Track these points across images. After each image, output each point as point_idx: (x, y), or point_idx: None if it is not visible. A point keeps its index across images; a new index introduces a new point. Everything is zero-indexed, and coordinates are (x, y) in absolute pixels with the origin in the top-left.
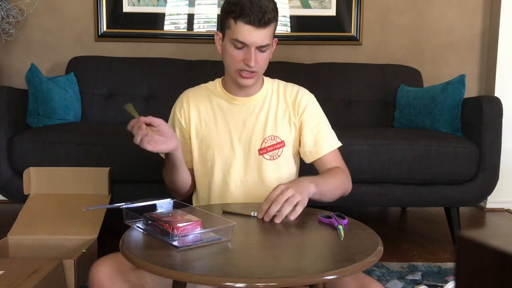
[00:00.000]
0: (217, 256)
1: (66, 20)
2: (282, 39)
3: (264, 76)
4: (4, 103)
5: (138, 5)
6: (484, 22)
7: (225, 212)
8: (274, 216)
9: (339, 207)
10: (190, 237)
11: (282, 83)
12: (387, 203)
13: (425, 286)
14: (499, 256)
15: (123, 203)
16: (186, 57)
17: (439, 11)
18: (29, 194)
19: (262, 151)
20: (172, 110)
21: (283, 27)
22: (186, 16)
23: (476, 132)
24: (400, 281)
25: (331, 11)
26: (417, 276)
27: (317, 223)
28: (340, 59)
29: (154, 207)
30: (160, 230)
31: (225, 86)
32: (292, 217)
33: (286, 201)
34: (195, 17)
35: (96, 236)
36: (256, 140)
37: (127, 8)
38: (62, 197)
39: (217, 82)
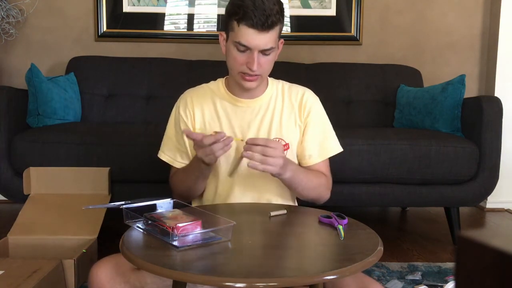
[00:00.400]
0: (217, 256)
1: (66, 20)
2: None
3: (268, 77)
4: (4, 103)
5: (138, 5)
6: (484, 22)
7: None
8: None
9: (339, 207)
10: (190, 237)
11: (286, 84)
12: (387, 203)
13: (425, 286)
14: (499, 256)
15: (123, 203)
16: (186, 57)
17: (439, 11)
18: (29, 194)
19: None
20: (174, 111)
21: (283, 27)
22: (186, 16)
23: (476, 132)
24: (400, 281)
25: (331, 11)
26: (417, 276)
27: (317, 223)
28: (340, 59)
29: (154, 207)
30: (160, 230)
31: (228, 87)
32: (251, 165)
33: (267, 155)
34: (195, 17)
35: (96, 236)
36: None
37: (127, 8)
38: (62, 197)
39: (220, 82)
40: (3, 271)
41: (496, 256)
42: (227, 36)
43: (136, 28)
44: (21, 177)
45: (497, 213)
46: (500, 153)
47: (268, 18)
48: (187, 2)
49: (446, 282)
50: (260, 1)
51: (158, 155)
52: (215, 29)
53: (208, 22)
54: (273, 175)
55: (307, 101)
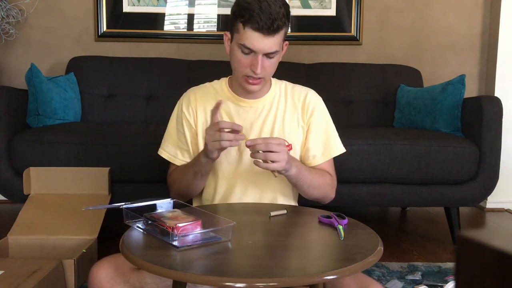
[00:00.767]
0: (217, 256)
1: (66, 20)
2: None
3: (272, 77)
4: (4, 103)
5: (138, 5)
6: (484, 22)
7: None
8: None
9: (339, 207)
10: (190, 237)
11: (289, 85)
12: (387, 203)
13: (425, 286)
14: (499, 256)
15: (123, 203)
16: (186, 57)
17: (439, 11)
18: (29, 194)
19: None
20: (176, 108)
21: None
22: (186, 16)
23: (476, 132)
24: (400, 281)
25: (331, 11)
26: (417, 276)
27: (317, 223)
28: (340, 59)
29: (154, 207)
30: (160, 230)
31: (231, 87)
32: (262, 166)
33: (272, 152)
34: (195, 17)
35: (96, 236)
36: None
37: (127, 8)
38: (62, 197)
39: (223, 82)
40: (3, 271)
41: (496, 256)
42: (232, 37)
43: (136, 28)
44: (21, 177)
45: (497, 213)
46: (500, 153)
47: (274, 22)
48: (187, 2)
49: (446, 282)
50: (266, 4)
51: (158, 152)
52: (215, 29)
53: (208, 22)
54: (279, 172)
55: (310, 102)
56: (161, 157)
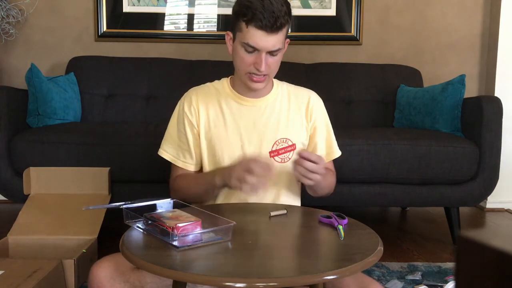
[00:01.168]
0: (217, 256)
1: (66, 20)
2: None
3: (273, 79)
4: (4, 103)
5: (138, 5)
6: (484, 22)
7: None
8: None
9: (339, 207)
10: (190, 237)
11: (291, 86)
12: (387, 203)
13: (425, 286)
14: (499, 256)
15: (123, 203)
16: (186, 57)
17: (439, 11)
18: (29, 194)
19: (273, 153)
20: (177, 108)
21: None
22: (186, 16)
23: (476, 132)
24: (400, 281)
25: (331, 11)
26: (417, 276)
27: (317, 223)
28: (340, 59)
29: (154, 207)
30: (160, 230)
31: (234, 86)
32: (308, 181)
33: (313, 172)
34: (195, 17)
35: (96, 236)
36: (267, 142)
37: (127, 8)
38: (62, 197)
39: (225, 81)
40: (3, 271)
41: (496, 256)
42: (234, 36)
43: (136, 28)
44: (21, 177)
45: (497, 213)
46: (500, 153)
47: (277, 20)
48: (187, 2)
49: (446, 282)
50: (269, 2)
51: (159, 153)
52: (215, 29)
53: (208, 22)
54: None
55: (314, 105)
56: (161, 157)
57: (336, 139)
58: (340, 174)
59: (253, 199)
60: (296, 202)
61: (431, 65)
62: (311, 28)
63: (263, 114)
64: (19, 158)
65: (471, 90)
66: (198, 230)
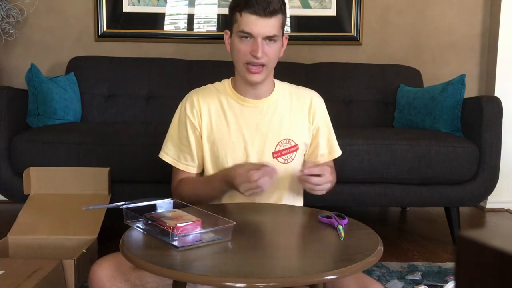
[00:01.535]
0: (217, 256)
1: (66, 20)
2: None
3: (274, 79)
4: (4, 103)
5: (138, 5)
6: (484, 22)
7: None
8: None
9: (339, 207)
10: (190, 237)
11: (292, 86)
12: (387, 203)
13: (425, 286)
14: (499, 256)
15: (123, 203)
16: (186, 57)
17: (439, 11)
18: (29, 194)
19: (276, 154)
20: (179, 110)
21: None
22: (186, 16)
23: (476, 132)
24: (400, 281)
25: (331, 11)
26: (417, 276)
27: (317, 223)
28: (340, 59)
29: (154, 207)
30: (160, 230)
31: (235, 87)
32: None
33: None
34: (195, 17)
35: (96, 236)
36: (270, 143)
37: (127, 8)
38: (62, 197)
39: (226, 83)
40: (3, 271)
41: (496, 256)
42: (231, 32)
43: (136, 28)
44: (21, 177)
45: (497, 213)
46: (500, 153)
47: (270, 4)
48: (187, 2)
49: (446, 282)
50: None
51: (160, 156)
52: (215, 29)
53: (208, 22)
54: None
55: (316, 106)
56: (181, 169)
57: (336, 139)
58: (340, 174)
59: (256, 199)
60: (299, 202)
61: (431, 65)
62: (311, 28)
63: (266, 115)
64: (19, 158)
65: (471, 90)
66: (198, 230)
